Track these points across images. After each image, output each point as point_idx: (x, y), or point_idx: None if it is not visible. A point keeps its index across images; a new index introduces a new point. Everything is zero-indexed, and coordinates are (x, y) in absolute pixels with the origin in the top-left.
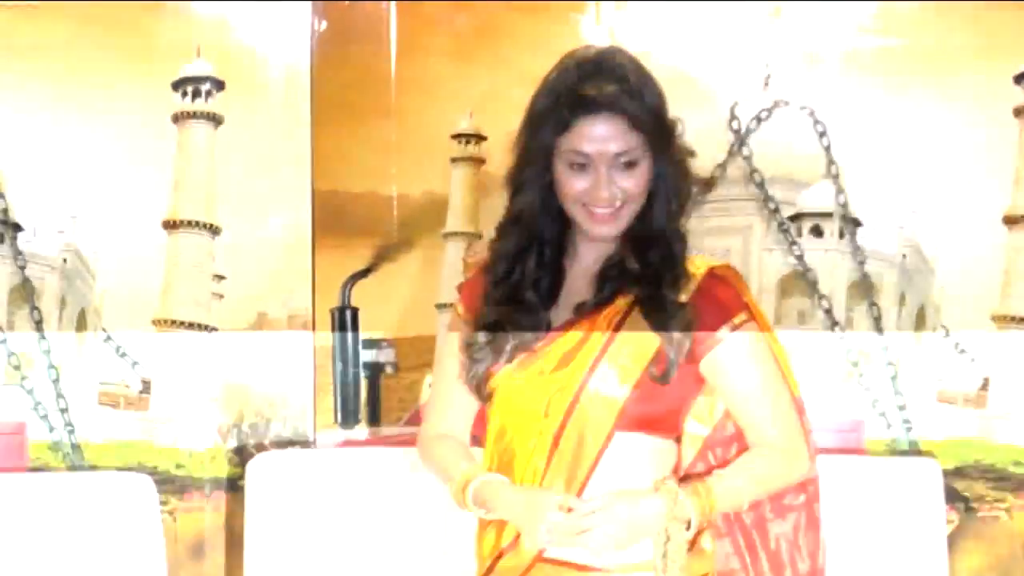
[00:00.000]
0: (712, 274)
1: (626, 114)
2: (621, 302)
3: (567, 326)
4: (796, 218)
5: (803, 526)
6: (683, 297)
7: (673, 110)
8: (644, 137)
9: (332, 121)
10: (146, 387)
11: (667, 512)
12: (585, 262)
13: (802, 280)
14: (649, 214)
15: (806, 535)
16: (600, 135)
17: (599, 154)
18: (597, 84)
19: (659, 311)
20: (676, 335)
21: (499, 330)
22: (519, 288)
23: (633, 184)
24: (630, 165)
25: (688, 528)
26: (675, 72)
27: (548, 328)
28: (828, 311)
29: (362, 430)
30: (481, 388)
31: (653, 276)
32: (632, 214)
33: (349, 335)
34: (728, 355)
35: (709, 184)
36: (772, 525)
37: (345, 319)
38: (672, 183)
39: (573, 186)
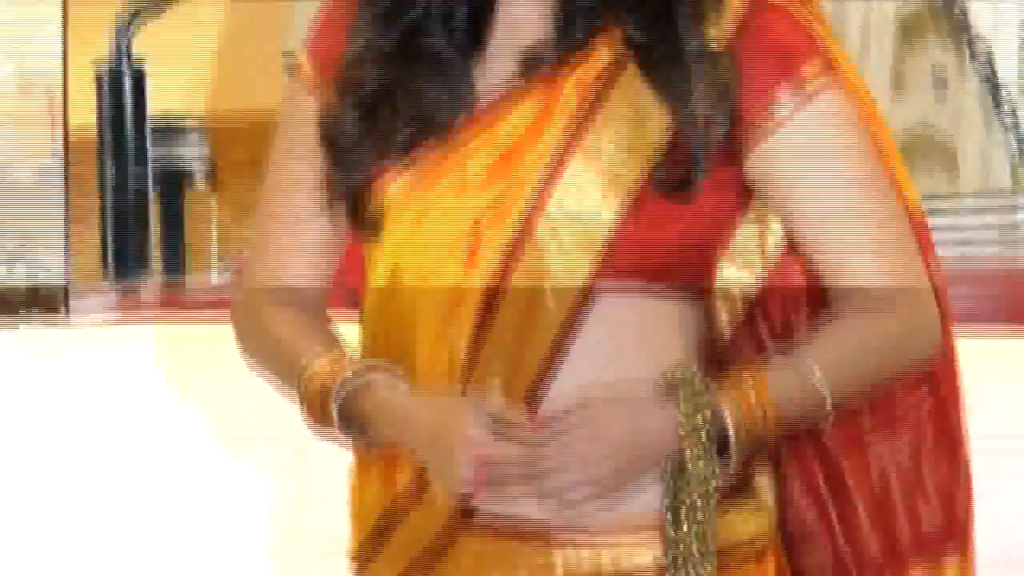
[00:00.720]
0: (765, 3)
1: None
2: (603, 51)
3: (509, 97)
4: None
5: (930, 446)
6: (715, 43)
7: None
8: None
9: None
10: None
11: (684, 427)
12: None
13: (943, 20)
14: None
15: (936, 462)
16: None
17: None
18: None
19: (672, 64)
20: (703, 107)
21: (384, 102)
22: (417, 23)
23: None
24: None
25: (722, 454)
26: None
27: (472, 101)
28: (990, 76)
29: (152, 283)
30: (358, 212)
31: (659, 3)
32: None
33: (129, 116)
34: (795, 142)
35: None
36: (874, 448)
37: (121, 85)
38: None
39: None
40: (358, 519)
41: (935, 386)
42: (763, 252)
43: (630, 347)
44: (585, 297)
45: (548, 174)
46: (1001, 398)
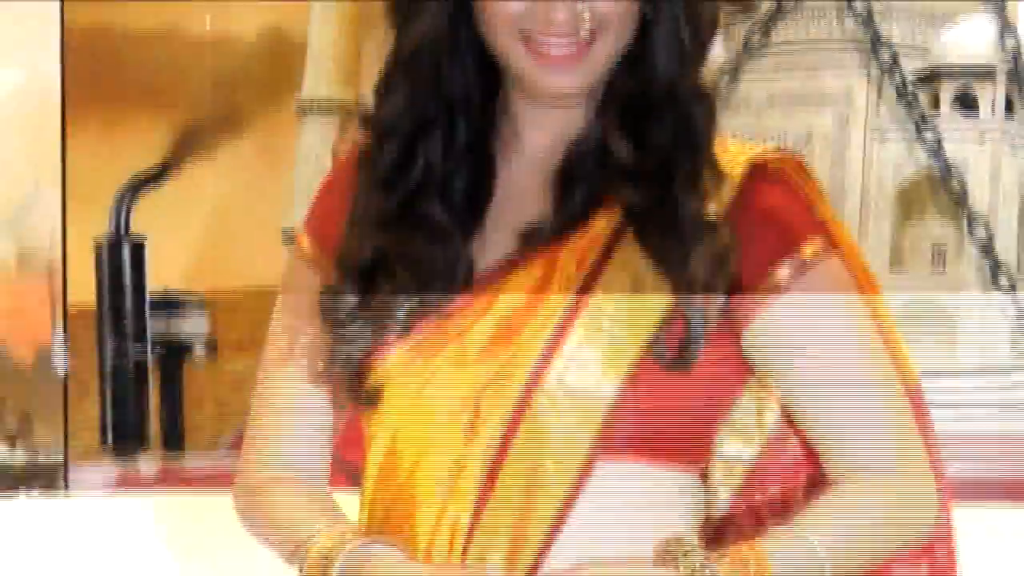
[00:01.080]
0: (761, 171)
1: None
2: (600, 223)
3: (506, 269)
4: (931, 78)
5: None
6: (713, 211)
7: None
8: None
9: None
10: None
11: None
12: (533, 149)
13: (940, 190)
14: (646, 57)
15: None
16: None
17: None
18: None
19: (670, 232)
20: (701, 277)
21: (382, 272)
22: (417, 197)
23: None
24: None
25: None
26: None
27: (471, 272)
28: (986, 247)
29: (151, 459)
30: (356, 386)
31: (658, 171)
32: (611, 54)
33: (128, 287)
34: (792, 312)
35: (748, 5)
36: None
37: (121, 258)
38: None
39: (506, 2)
40: None
41: (933, 560)
42: (761, 425)
43: (630, 518)
44: (585, 471)
45: (548, 347)
46: (1001, 573)
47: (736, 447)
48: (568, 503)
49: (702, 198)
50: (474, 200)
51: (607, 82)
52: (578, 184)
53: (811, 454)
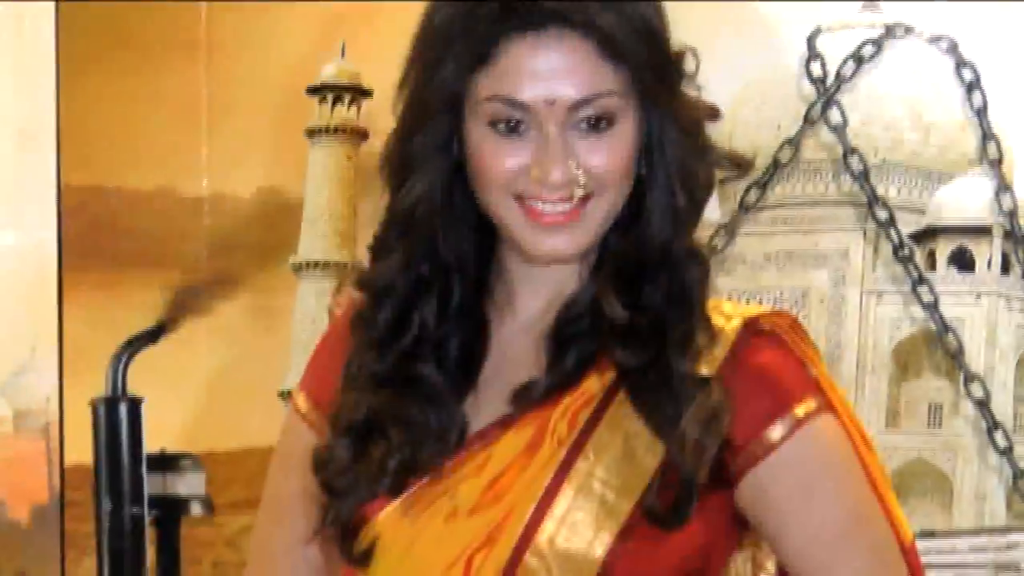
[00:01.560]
0: (754, 329)
1: (593, 29)
2: (593, 383)
3: (498, 429)
4: (926, 236)
5: None
6: (705, 369)
7: (692, 37)
8: (627, 76)
9: (96, 69)
10: None
11: None
12: (527, 309)
13: (937, 348)
14: (640, 218)
15: None
16: (546, 69)
17: (545, 103)
18: None
19: (661, 390)
20: (692, 434)
21: (376, 430)
22: (411, 358)
23: (606, 158)
24: (601, 124)
25: None
26: None
27: (463, 433)
28: (983, 403)
29: None
30: (348, 545)
31: (651, 331)
32: (606, 215)
33: (125, 447)
34: (786, 472)
35: (744, 167)
36: None
37: (118, 418)
38: (679, 160)
39: (499, 163)
40: None
41: None
42: None
43: None
44: None
45: (538, 507)
46: None
47: None
48: None
49: (695, 357)
50: (468, 361)
51: (601, 242)
52: (571, 346)
53: None
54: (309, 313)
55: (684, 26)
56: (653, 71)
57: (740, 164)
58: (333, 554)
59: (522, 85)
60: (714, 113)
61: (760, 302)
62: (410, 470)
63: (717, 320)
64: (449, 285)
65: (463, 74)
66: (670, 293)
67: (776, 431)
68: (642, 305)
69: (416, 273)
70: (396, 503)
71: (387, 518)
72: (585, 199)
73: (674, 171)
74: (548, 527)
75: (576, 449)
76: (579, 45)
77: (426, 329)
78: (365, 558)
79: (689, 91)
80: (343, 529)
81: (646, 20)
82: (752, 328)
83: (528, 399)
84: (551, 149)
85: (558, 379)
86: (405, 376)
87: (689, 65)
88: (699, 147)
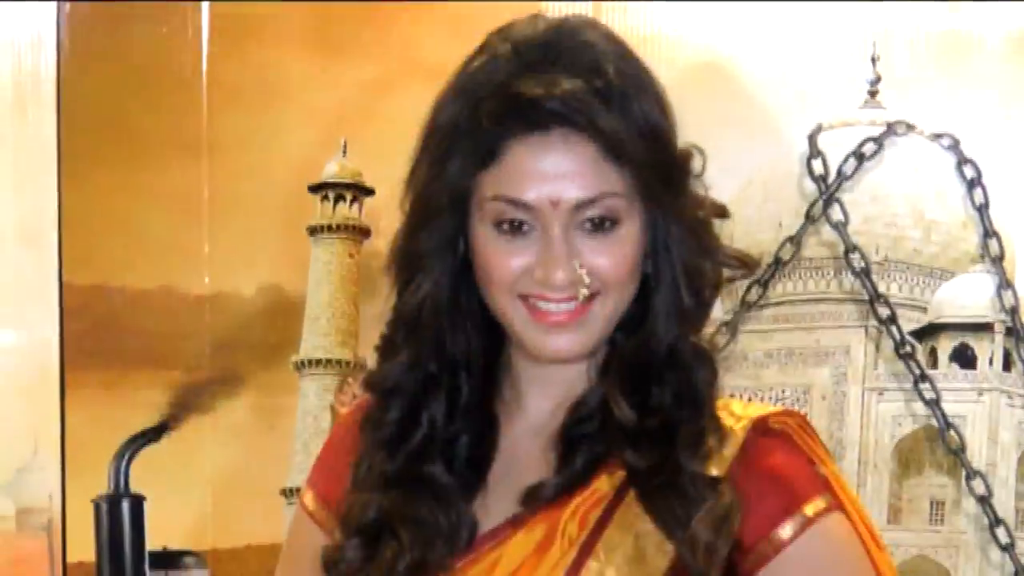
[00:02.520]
0: (764, 429)
1: (597, 131)
2: (603, 483)
3: (509, 529)
4: (928, 333)
5: None
6: (715, 470)
7: (693, 134)
8: (631, 176)
9: (98, 165)
10: None
11: None
12: (536, 409)
13: (938, 445)
14: (647, 318)
15: None
16: (550, 170)
17: (550, 204)
18: (544, 79)
19: (671, 492)
20: (704, 540)
21: (385, 529)
22: (420, 458)
23: (610, 259)
24: (605, 224)
25: None
26: (711, 72)
27: (473, 533)
28: (986, 500)
29: None
30: None
31: (660, 432)
32: (611, 315)
33: (128, 544)
34: (796, 571)
35: (751, 266)
36: None
37: (120, 515)
38: (685, 260)
39: (504, 263)
40: None
41: None
42: None
43: None
44: None
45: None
46: None
47: None
48: None
49: (705, 458)
50: (477, 461)
51: (609, 341)
52: (581, 446)
53: None
54: (311, 411)
55: (685, 123)
56: (657, 171)
57: (747, 263)
58: None
59: (526, 186)
60: (721, 212)
61: (762, 399)
62: (421, 571)
63: (727, 420)
64: (457, 384)
65: (469, 172)
66: (679, 393)
67: (786, 530)
68: (651, 406)
69: (424, 372)
70: None
71: None
72: (590, 299)
73: (680, 271)
74: None
75: (587, 550)
76: (583, 147)
77: (435, 428)
78: None
79: (697, 190)
80: None
81: (650, 121)
82: (761, 428)
83: (538, 499)
84: (555, 250)
85: (568, 480)
86: (414, 476)
87: (696, 163)
88: (705, 246)
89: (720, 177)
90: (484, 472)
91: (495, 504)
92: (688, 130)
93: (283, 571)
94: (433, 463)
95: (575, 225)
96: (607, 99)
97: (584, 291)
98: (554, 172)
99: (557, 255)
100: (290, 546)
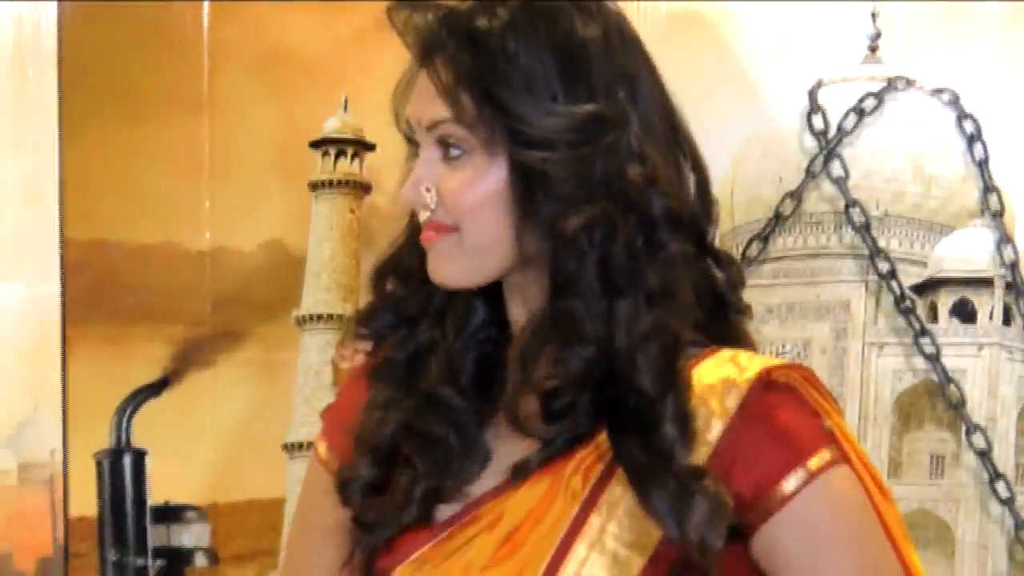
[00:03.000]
0: (767, 381)
1: (449, 62)
2: (604, 437)
3: (511, 483)
4: (928, 288)
5: None
6: (717, 423)
7: (702, 98)
8: (488, 111)
9: (99, 123)
10: None
11: None
12: (515, 325)
13: (938, 399)
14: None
15: None
16: (418, 93)
17: (416, 123)
18: (415, 16)
19: (657, 488)
20: (698, 539)
21: (401, 461)
22: (429, 382)
23: (452, 186)
24: (451, 153)
25: None
26: (705, 31)
27: (487, 459)
28: (986, 454)
29: None
30: None
31: (638, 412)
32: (476, 250)
33: (130, 499)
34: (800, 525)
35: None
36: None
37: (122, 470)
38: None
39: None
40: None
41: None
42: None
43: None
44: None
45: (552, 563)
46: None
47: None
48: None
49: (690, 449)
50: (484, 380)
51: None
52: (561, 415)
53: None
54: (313, 366)
55: (685, 82)
56: (525, 117)
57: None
58: None
59: (408, 105)
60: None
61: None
62: (436, 498)
63: (731, 371)
64: (471, 308)
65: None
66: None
67: (790, 483)
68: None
69: (413, 301)
70: (413, 556)
71: (404, 570)
72: (448, 230)
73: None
74: None
75: (589, 504)
76: (444, 75)
77: (439, 349)
78: None
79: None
80: (367, 565)
81: (514, 61)
82: (765, 380)
83: (527, 471)
84: (415, 169)
85: (569, 434)
86: (426, 397)
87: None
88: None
89: (719, 133)
90: (493, 394)
91: (498, 457)
92: (688, 89)
93: (297, 526)
94: (444, 385)
95: (432, 145)
96: (462, 34)
97: (425, 213)
98: (419, 94)
99: (413, 174)
100: (305, 494)
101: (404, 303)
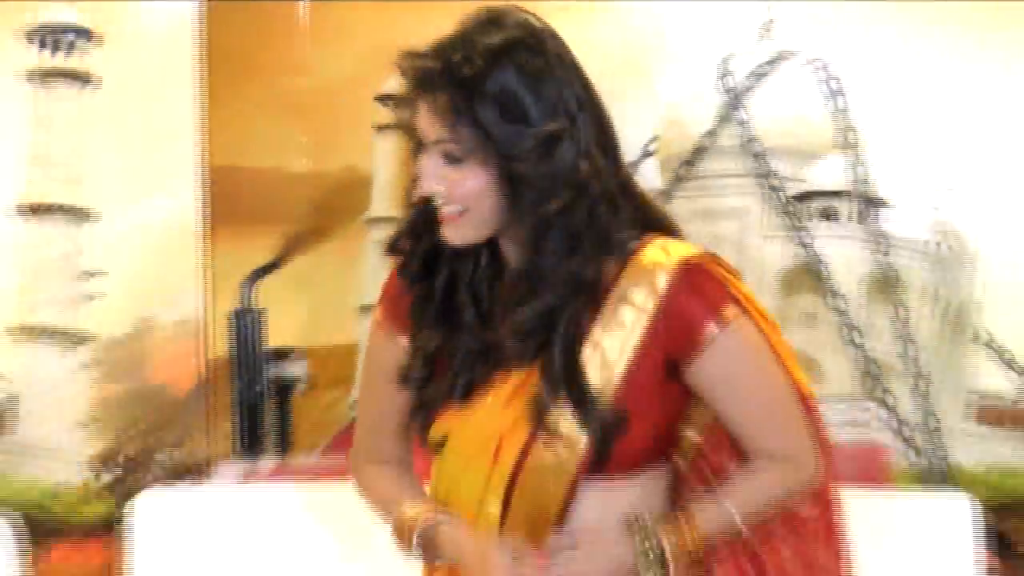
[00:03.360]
0: (686, 263)
1: (445, 96)
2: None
3: (515, 360)
4: (804, 198)
5: (821, 541)
6: (652, 296)
7: (651, 64)
8: (475, 130)
9: (229, 81)
10: (13, 405)
11: (637, 556)
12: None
13: (811, 275)
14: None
15: (826, 551)
16: (423, 119)
17: (422, 135)
18: (421, 59)
19: (568, 394)
20: (599, 442)
21: (444, 362)
22: (455, 305)
23: (452, 184)
24: (451, 159)
25: (666, 570)
26: (651, 18)
27: (501, 353)
28: (843, 313)
29: (268, 461)
30: (425, 437)
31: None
32: (479, 222)
33: (252, 344)
34: (717, 359)
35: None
36: (784, 543)
37: (246, 324)
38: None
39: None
40: None
41: (825, 504)
42: (700, 420)
43: (610, 510)
44: (574, 483)
45: (531, 431)
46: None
47: (691, 434)
48: (564, 506)
49: (633, 298)
50: (491, 304)
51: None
52: (534, 333)
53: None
54: (377, 253)
55: (625, 56)
56: (500, 130)
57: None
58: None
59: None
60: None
61: (678, 241)
62: (471, 384)
63: (661, 257)
64: (466, 259)
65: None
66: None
67: (712, 328)
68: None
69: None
70: (453, 410)
71: (450, 418)
72: (462, 213)
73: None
74: (551, 418)
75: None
76: (442, 104)
77: (460, 287)
78: (436, 448)
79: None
80: (422, 426)
81: (500, 90)
82: (685, 262)
83: (508, 366)
84: (424, 170)
85: (534, 345)
86: (456, 321)
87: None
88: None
89: (662, 91)
90: (493, 317)
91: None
92: (629, 63)
93: (367, 364)
94: (466, 309)
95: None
96: (453, 75)
97: (439, 200)
98: (424, 117)
99: (427, 172)
100: (370, 345)
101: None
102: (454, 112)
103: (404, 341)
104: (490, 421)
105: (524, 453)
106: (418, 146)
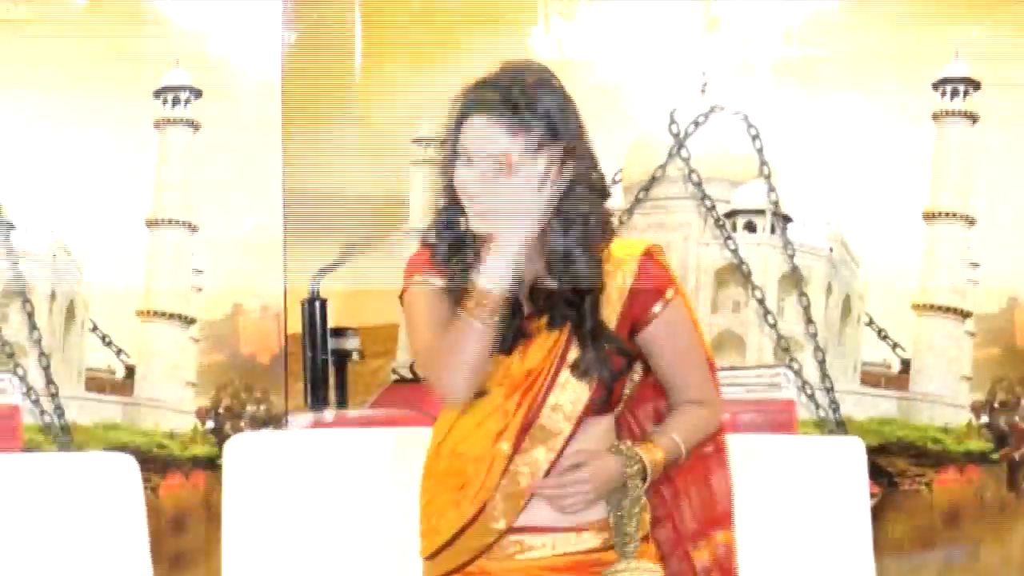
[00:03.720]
0: (647, 254)
1: (502, 117)
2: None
3: (533, 332)
4: (731, 215)
5: (715, 470)
6: (629, 276)
7: (615, 115)
8: (525, 142)
9: (302, 126)
10: (130, 373)
11: (628, 471)
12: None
13: (737, 272)
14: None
15: (718, 478)
16: (482, 134)
17: (477, 149)
18: (484, 91)
19: (589, 345)
20: (608, 377)
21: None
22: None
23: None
24: (504, 170)
25: (644, 482)
26: (618, 80)
27: (525, 323)
28: (761, 301)
29: (330, 412)
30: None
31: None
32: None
33: (318, 324)
34: (661, 326)
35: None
36: (691, 472)
37: (314, 310)
38: (579, 198)
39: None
40: (434, 534)
41: (719, 444)
42: (632, 377)
43: (598, 439)
44: (579, 421)
45: (559, 360)
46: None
47: (627, 388)
48: (568, 438)
49: (613, 287)
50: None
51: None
52: (541, 305)
53: (654, 391)
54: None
55: (591, 109)
56: (544, 140)
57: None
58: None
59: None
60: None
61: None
62: (519, 333)
63: (626, 251)
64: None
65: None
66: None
67: (658, 306)
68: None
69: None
70: (501, 355)
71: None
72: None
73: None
74: (562, 376)
75: (566, 350)
76: (498, 123)
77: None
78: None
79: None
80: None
81: (540, 114)
82: (647, 252)
83: (528, 334)
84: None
85: (551, 314)
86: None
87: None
88: (588, 187)
89: (622, 137)
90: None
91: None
92: (597, 117)
93: (417, 305)
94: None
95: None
96: (509, 100)
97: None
98: (478, 138)
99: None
100: (426, 307)
101: (450, 240)
102: (509, 128)
103: (440, 281)
104: (516, 372)
105: (541, 402)
106: (452, 160)
